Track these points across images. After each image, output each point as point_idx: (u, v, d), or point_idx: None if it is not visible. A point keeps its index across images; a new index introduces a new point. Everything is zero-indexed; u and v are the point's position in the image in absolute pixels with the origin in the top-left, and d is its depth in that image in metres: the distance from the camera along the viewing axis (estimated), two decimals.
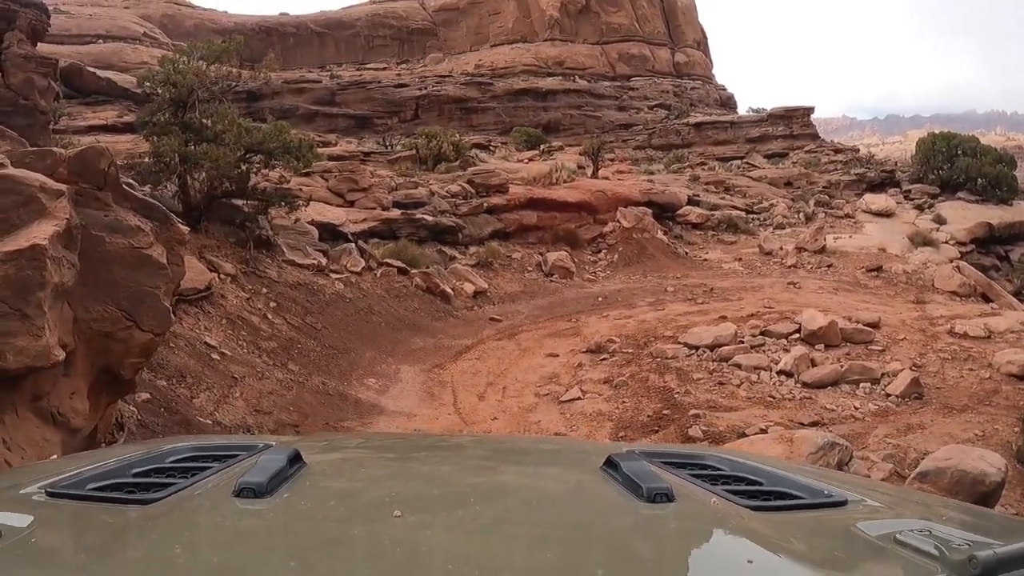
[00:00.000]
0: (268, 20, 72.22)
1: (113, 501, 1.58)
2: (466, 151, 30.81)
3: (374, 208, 23.27)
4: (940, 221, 35.27)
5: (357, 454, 2.46)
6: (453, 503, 1.67)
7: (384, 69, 66.61)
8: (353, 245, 19.96)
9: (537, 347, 17.03)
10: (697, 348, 15.94)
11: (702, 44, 77.55)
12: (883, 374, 13.95)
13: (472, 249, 23.77)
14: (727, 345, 15.93)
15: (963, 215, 35.81)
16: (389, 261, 19.70)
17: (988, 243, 35.13)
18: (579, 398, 13.31)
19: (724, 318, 18.59)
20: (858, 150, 61.57)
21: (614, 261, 26.91)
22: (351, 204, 23.37)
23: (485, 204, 25.65)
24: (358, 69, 66.53)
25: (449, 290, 19.68)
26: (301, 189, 23.00)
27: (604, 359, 15.91)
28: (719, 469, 1.97)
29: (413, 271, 19.63)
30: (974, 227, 34.56)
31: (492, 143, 50.24)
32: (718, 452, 2.43)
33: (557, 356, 16.24)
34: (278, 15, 74.08)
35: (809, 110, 64.23)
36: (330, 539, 1.39)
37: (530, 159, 41.54)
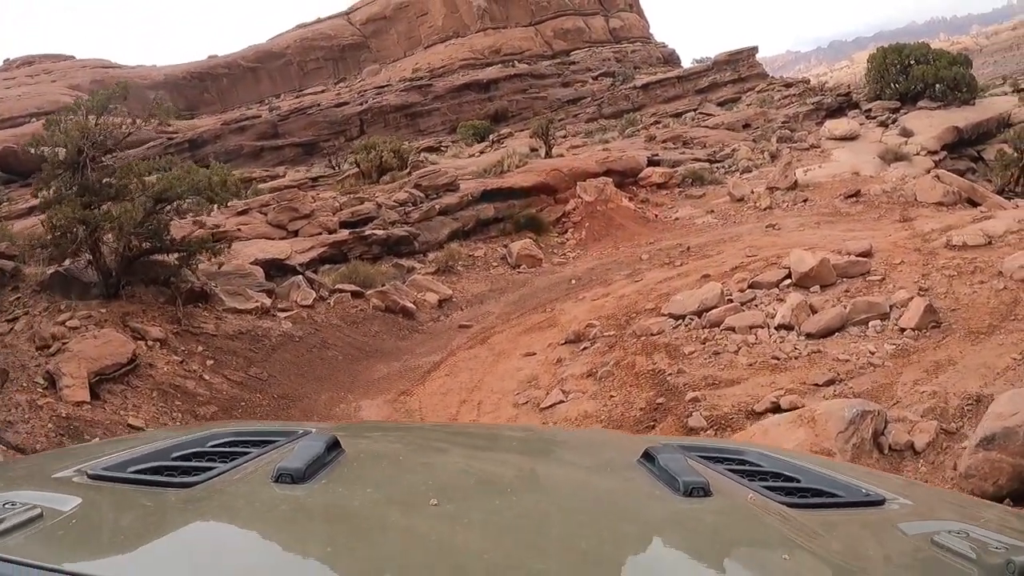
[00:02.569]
0: (198, 66, 70.15)
1: (154, 484, 1.57)
2: (411, 155, 29.13)
3: (319, 233, 21.59)
4: (907, 134, 34.46)
5: (395, 442, 2.39)
6: (490, 493, 1.64)
7: (322, 92, 64.69)
8: (300, 277, 18.28)
9: (512, 348, 15.40)
10: (683, 317, 14.36)
11: (635, 6, 75.83)
12: (892, 306, 12.41)
13: (431, 255, 22.12)
14: (715, 308, 14.33)
15: (928, 123, 34.86)
16: (341, 287, 18.03)
17: (958, 147, 34.54)
18: (561, 401, 11.68)
19: (707, 277, 17.11)
20: (808, 81, 60.34)
21: (582, 239, 25.30)
22: (294, 234, 21.69)
23: (437, 206, 23.96)
24: (296, 96, 64.65)
25: (410, 304, 18.02)
26: (239, 229, 21.39)
27: (585, 348, 14.31)
28: (757, 465, 1.92)
29: (368, 292, 17.96)
30: (942, 133, 33.74)
31: (442, 144, 48.55)
32: (756, 448, 2.27)
33: (534, 355, 14.64)
34: (207, 59, 72.02)
35: (753, 50, 63.11)
36: (366, 526, 1.38)
37: (481, 152, 39.90)
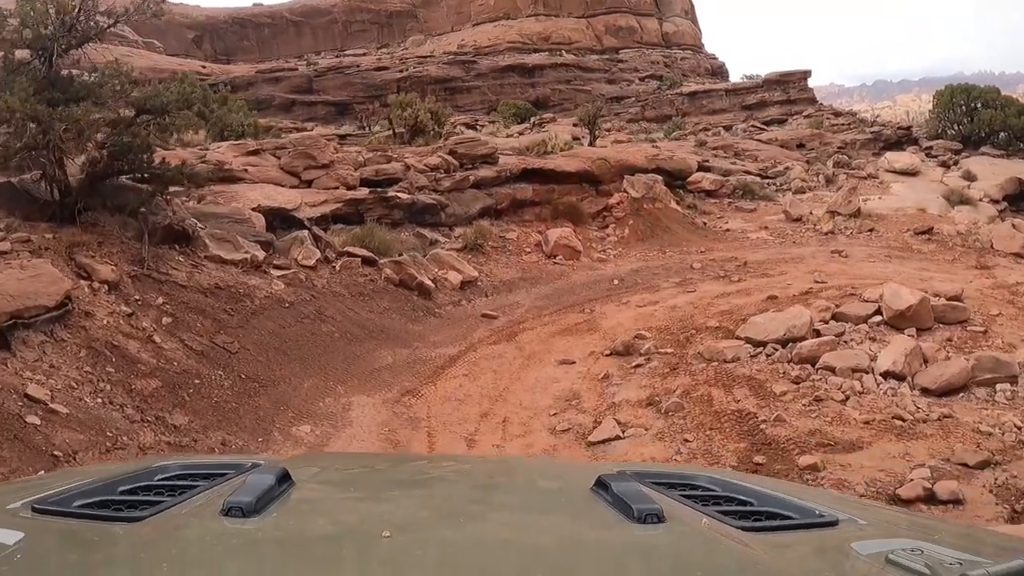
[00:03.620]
0: (241, 12, 67.31)
1: (100, 519, 1.51)
2: (447, 119, 26.03)
3: (336, 187, 18.49)
4: (970, 178, 31.86)
5: (346, 473, 2.32)
6: (443, 524, 1.60)
7: (364, 55, 61.57)
8: (306, 233, 15.19)
9: (545, 351, 12.42)
10: (763, 345, 11.39)
11: (690, 13, 72.56)
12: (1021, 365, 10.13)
13: (458, 231, 19.00)
14: (804, 339, 11.38)
15: (992, 171, 31.92)
16: (351, 250, 14.96)
17: (1019, 199, 31.50)
18: (618, 437, 8.67)
19: (774, 298, 14.54)
20: (855, 113, 57.25)
21: (624, 236, 22.20)
22: (308, 184, 18.60)
23: (471, 177, 20.84)
24: (337, 56, 61.53)
25: (429, 282, 14.94)
26: (246, 170, 18.32)
27: (638, 366, 11.36)
28: (710, 490, 1.89)
29: (382, 260, 14.89)
30: (1005, 183, 30.58)
31: (479, 122, 45.49)
32: (708, 472, 2.28)
33: (573, 363, 11.72)
34: (252, 6, 69.00)
35: (806, 74, 59.73)
36: (319, 559, 1.31)
37: (520, 133, 36.79)
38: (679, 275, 17.92)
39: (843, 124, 45.64)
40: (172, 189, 13.10)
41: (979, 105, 36.64)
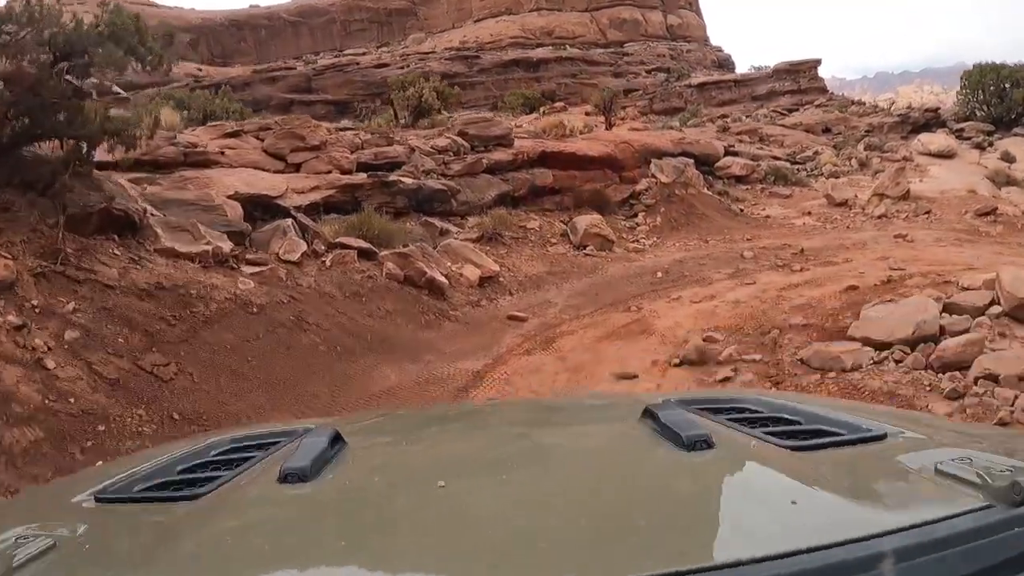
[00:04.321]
0: (238, 14, 64.07)
1: (162, 500, 1.49)
2: (455, 98, 23.03)
3: (328, 172, 15.45)
4: (1008, 159, 29.79)
5: (396, 429, 2.28)
6: (496, 468, 1.53)
7: (364, 54, 58.47)
8: (290, 222, 12.17)
9: (594, 362, 9.50)
10: (888, 346, 8.34)
11: (694, 5, 69.52)
12: None
13: (472, 220, 15.92)
14: (943, 337, 8.41)
15: None
16: (345, 241, 11.95)
17: None
18: None
19: (853, 288, 11.86)
20: (863, 103, 54.27)
21: (657, 225, 19.22)
22: (296, 168, 15.58)
23: (484, 161, 17.78)
24: (336, 56, 58.44)
25: (441, 278, 11.89)
26: (223, 152, 15.30)
27: (725, 379, 8.51)
28: (757, 412, 1.82)
29: (383, 253, 11.88)
30: None
31: (484, 118, 42.41)
32: (755, 395, 2.11)
33: (635, 377, 8.86)
34: (248, 8, 65.88)
35: (816, 63, 56.66)
36: (377, 515, 1.32)
37: (534, 121, 33.71)
38: (730, 265, 15.01)
39: (856, 113, 42.98)
40: (132, 175, 10.16)
41: (1008, 85, 34.34)
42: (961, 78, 37.62)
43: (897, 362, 8.07)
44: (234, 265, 10.33)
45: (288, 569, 1.13)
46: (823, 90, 54.50)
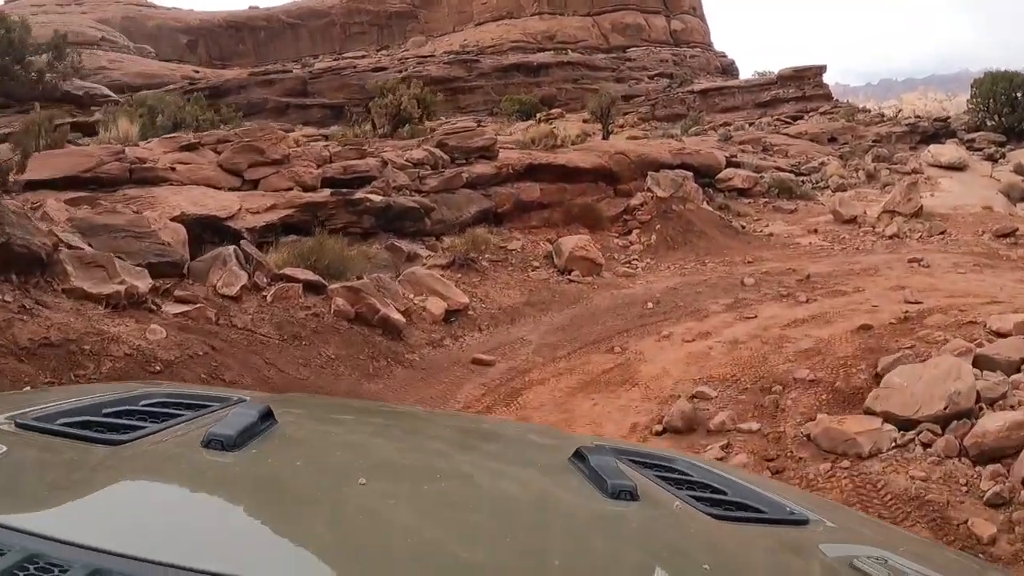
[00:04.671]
0: (236, 15, 62.67)
1: (82, 439, 1.44)
2: (436, 105, 21.52)
3: (289, 189, 13.94)
4: (1022, 172, 27.49)
5: (330, 417, 2.24)
6: (419, 477, 1.52)
7: (363, 57, 56.97)
8: (232, 249, 10.62)
9: (564, 423, 8.04)
10: (914, 424, 6.84)
11: (697, 10, 67.90)
12: None
13: (447, 241, 14.43)
14: (979, 405, 6.94)
15: None
16: (290, 272, 10.42)
17: None
18: None
19: (866, 328, 10.36)
20: (869, 110, 52.70)
21: (652, 244, 17.68)
22: (254, 185, 14.10)
23: (464, 175, 16.27)
24: (335, 59, 56.95)
25: (398, 315, 10.34)
26: (173, 168, 13.84)
27: (718, 459, 6.79)
28: (686, 474, 1.81)
29: (333, 286, 10.33)
30: None
31: (481, 123, 40.72)
32: (687, 457, 2.15)
33: None
34: (247, 9, 64.46)
35: (821, 69, 55.06)
36: (293, 498, 1.29)
37: (525, 131, 32.19)
38: (729, 294, 13.47)
39: (873, 118, 41.74)
40: (71, 195, 8.66)
41: (1020, 95, 32.85)
42: (971, 86, 36.16)
43: (925, 446, 6.49)
44: (153, 306, 8.81)
45: (194, 531, 1.09)
46: (828, 97, 53.12)
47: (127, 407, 1.72)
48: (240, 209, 12.93)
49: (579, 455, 1.64)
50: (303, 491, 1.32)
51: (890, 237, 18.97)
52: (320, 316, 9.76)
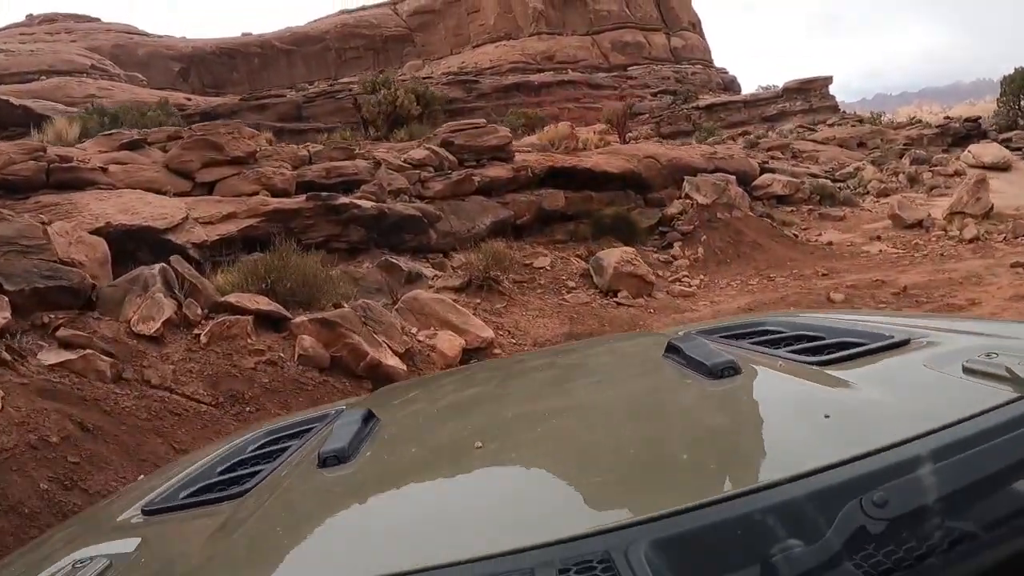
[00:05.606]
0: (229, 42, 59.20)
1: (207, 503, 1.41)
2: (438, 101, 18.27)
3: (254, 193, 10.56)
4: None
5: (424, 398, 2.10)
6: (530, 423, 1.46)
7: (358, 81, 53.71)
8: (157, 270, 7.14)
9: None
10: None
11: (697, 27, 64.80)
12: None
13: (458, 258, 10.91)
14: None
15: None
16: (236, 301, 6.94)
17: None
18: None
19: None
20: (880, 118, 49.75)
21: (700, 258, 14.31)
22: (208, 189, 10.73)
23: (476, 178, 12.86)
24: (330, 84, 53.67)
25: (393, 359, 6.82)
26: (105, 169, 10.49)
27: None
28: (779, 332, 1.74)
29: (299, 319, 6.83)
30: None
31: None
32: (777, 315, 2.06)
33: None
34: (240, 36, 61.13)
35: (827, 80, 52.18)
36: (421, 485, 1.24)
37: (542, 133, 28.84)
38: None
39: (900, 122, 39.35)
40: None
41: None
42: (1001, 84, 33.57)
43: None
44: (15, 354, 5.41)
45: (339, 549, 1.07)
46: (835, 108, 50.26)
47: (238, 458, 1.66)
48: (186, 218, 9.58)
49: (672, 348, 1.58)
50: (427, 474, 1.26)
51: (970, 241, 15.60)
52: (278, 364, 6.30)
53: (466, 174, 12.53)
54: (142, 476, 3.62)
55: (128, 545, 1.29)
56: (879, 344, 1.47)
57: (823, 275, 12.89)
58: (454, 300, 8.68)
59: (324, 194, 10.42)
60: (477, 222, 12.06)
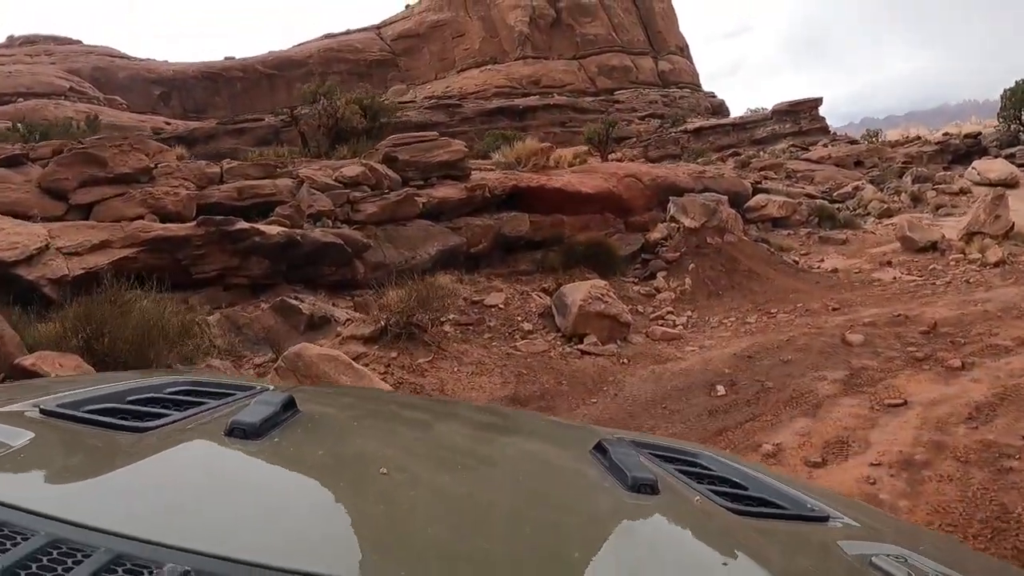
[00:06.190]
0: (212, 66, 57.25)
1: (107, 426, 1.34)
2: (392, 113, 16.35)
3: (137, 218, 8.40)
4: None
5: (352, 407, 2.03)
6: (440, 467, 1.42)
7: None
8: None
9: None
10: None
11: (685, 50, 63.03)
12: None
13: (392, 295, 8.64)
14: None
15: None
16: (31, 364, 4.79)
17: None
18: None
19: None
20: (872, 137, 48.11)
21: (687, 290, 12.20)
22: (85, 213, 8.56)
23: (421, 200, 10.70)
24: (309, 107, 51.71)
25: None
26: None
27: None
28: (707, 468, 1.70)
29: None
30: None
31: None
32: (709, 452, 1.96)
33: None
34: (222, 60, 59.16)
35: (816, 102, 50.32)
36: (313, 488, 1.21)
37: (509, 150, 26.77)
38: (835, 362, 8.28)
39: (898, 140, 37.89)
40: None
41: None
42: (1001, 97, 31.78)
43: None
44: None
45: (211, 517, 1.04)
46: (825, 130, 48.42)
47: (152, 395, 1.62)
48: (45, 248, 7.48)
49: (600, 448, 1.54)
50: (324, 480, 1.22)
51: (995, 265, 13.49)
52: None
53: (407, 194, 10.37)
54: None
55: (16, 436, 1.21)
56: (797, 512, 1.43)
57: (834, 309, 10.76)
58: (362, 354, 6.53)
59: (219, 218, 8.26)
60: (419, 251, 9.90)
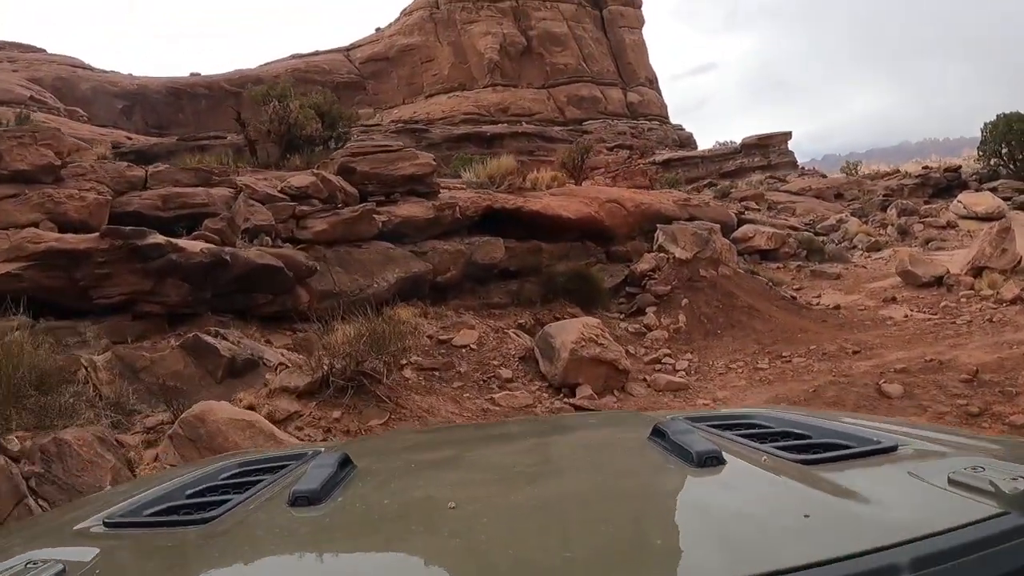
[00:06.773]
0: (177, 81, 55.18)
1: (171, 524, 1.32)
2: (354, 121, 14.95)
3: (31, 224, 6.62)
4: None
5: (406, 450, 2.00)
6: (506, 488, 1.39)
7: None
8: None
9: None
10: None
11: (654, 83, 62.10)
12: None
13: (340, 331, 6.90)
14: None
15: None
16: None
17: None
18: None
19: None
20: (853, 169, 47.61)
21: (681, 329, 10.74)
22: None
23: (382, 219, 9.03)
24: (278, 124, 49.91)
25: None
26: None
27: None
28: (767, 427, 1.63)
29: None
30: None
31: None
32: (765, 410, 1.91)
33: None
34: (188, 76, 57.20)
35: (786, 136, 49.66)
36: (388, 537, 1.18)
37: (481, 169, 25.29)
38: (873, 416, 6.20)
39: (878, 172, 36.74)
40: None
41: None
42: (981, 131, 30.72)
43: None
44: None
45: None
46: (794, 164, 47.72)
47: (208, 483, 1.58)
48: None
49: (658, 432, 1.50)
50: (397, 529, 1.20)
51: (1012, 301, 12.13)
52: None
53: (364, 210, 8.68)
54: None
55: (85, 554, 1.17)
56: (865, 448, 1.38)
57: (854, 352, 9.25)
58: (295, 413, 4.83)
59: (127, 229, 6.53)
60: (376, 278, 8.22)
